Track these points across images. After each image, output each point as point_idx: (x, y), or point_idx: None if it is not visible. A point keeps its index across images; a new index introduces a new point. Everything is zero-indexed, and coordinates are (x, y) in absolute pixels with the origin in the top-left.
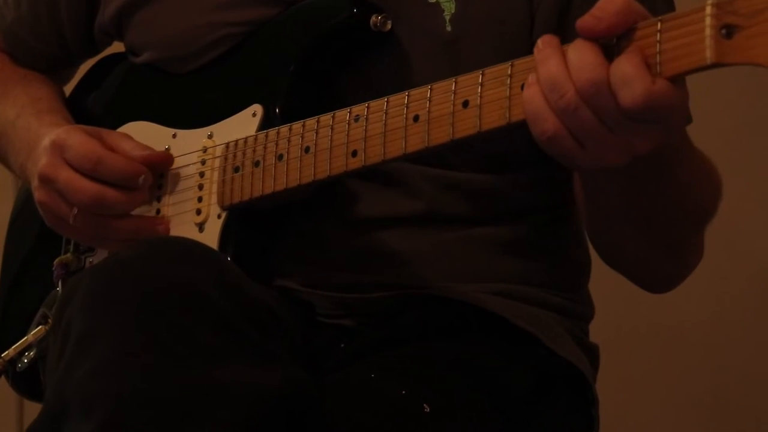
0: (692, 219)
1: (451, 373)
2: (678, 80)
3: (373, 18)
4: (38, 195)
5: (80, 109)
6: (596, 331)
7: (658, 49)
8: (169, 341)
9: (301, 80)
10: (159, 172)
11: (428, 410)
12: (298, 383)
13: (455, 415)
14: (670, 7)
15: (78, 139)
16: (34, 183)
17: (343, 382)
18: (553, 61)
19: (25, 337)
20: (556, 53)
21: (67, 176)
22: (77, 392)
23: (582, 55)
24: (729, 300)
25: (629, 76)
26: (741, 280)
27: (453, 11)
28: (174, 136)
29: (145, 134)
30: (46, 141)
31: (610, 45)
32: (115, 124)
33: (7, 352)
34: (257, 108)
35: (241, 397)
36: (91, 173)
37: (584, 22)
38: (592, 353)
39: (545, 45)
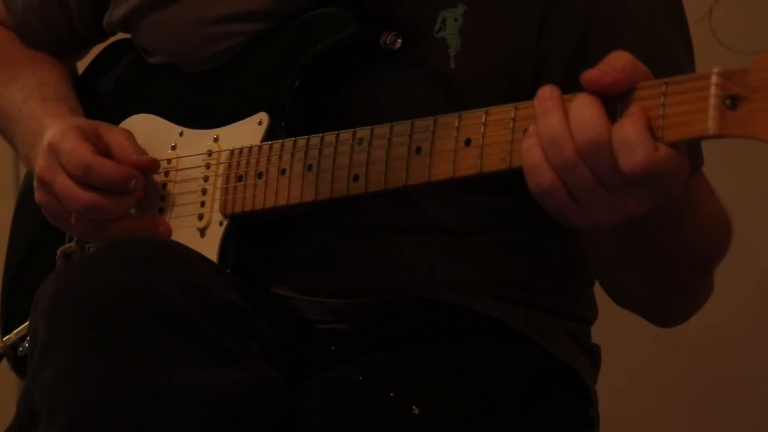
0: (697, 266)
1: (446, 374)
2: (680, 146)
3: (384, 36)
4: (38, 196)
5: (89, 93)
6: (598, 332)
7: (661, 113)
8: (128, 346)
9: (307, 92)
10: (146, 175)
11: (417, 412)
12: (265, 382)
13: (444, 417)
14: (690, 60)
15: (71, 143)
16: (35, 183)
17: (331, 384)
18: (553, 117)
19: (27, 323)
20: (557, 108)
21: (61, 182)
22: (42, 398)
23: (584, 113)
24: (732, 302)
25: (632, 142)
26: (745, 282)
27: (458, 49)
28: (181, 134)
29: (152, 128)
30: (44, 141)
31: (612, 102)
32: (124, 113)
33: (8, 336)
34: (263, 116)
35: (201, 399)
36: (81, 180)
37: (590, 74)
38: (593, 354)
39: (546, 98)
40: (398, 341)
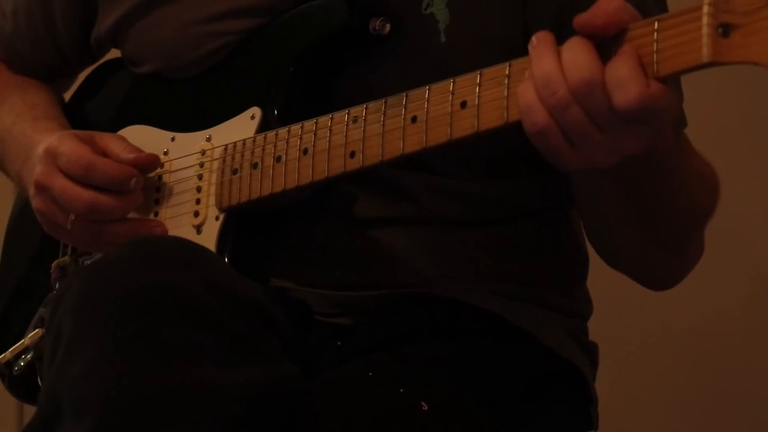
0: (689, 219)
1: (448, 372)
2: (671, 81)
3: (372, 22)
4: (35, 203)
5: (79, 115)
6: (596, 330)
7: (655, 48)
8: (156, 342)
9: (299, 83)
10: (149, 173)
11: (426, 408)
12: (289, 380)
13: (453, 414)
14: (663, 9)
15: (69, 145)
16: (31, 191)
17: (340, 381)
18: (547, 59)
19: (22, 340)
20: (551, 50)
21: (61, 184)
22: (68, 394)
23: (576, 55)
24: (728, 299)
25: (624, 78)
26: (741, 281)
27: (447, 22)
28: (173, 139)
29: (144, 138)
30: (40, 149)
31: (605, 45)
32: (114, 129)
33: (3, 354)
34: (256, 110)
35: (229, 395)
36: (83, 179)
37: (582, 18)
38: (591, 352)
39: (540, 42)
40: (401, 339)
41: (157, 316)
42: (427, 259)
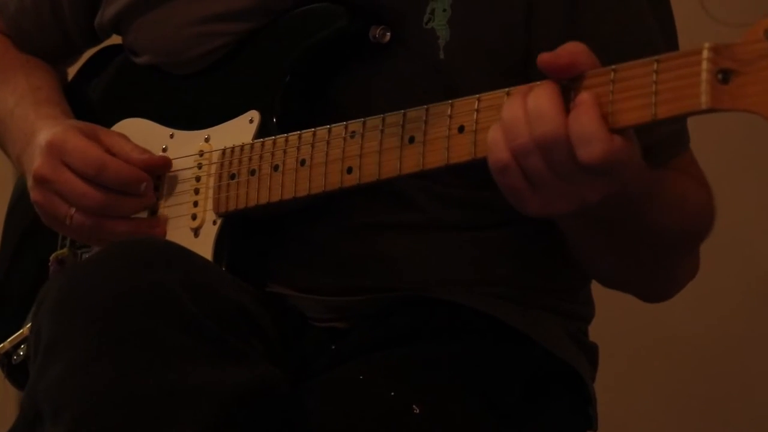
0: (675, 245)
1: (448, 372)
2: (628, 133)
3: (373, 29)
4: (34, 195)
5: (79, 99)
6: (596, 331)
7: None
8: (136, 344)
9: (297, 88)
10: (157, 174)
11: (417, 411)
12: (269, 382)
13: (445, 416)
14: (672, 47)
15: (77, 142)
16: (30, 182)
17: (331, 383)
18: (514, 102)
19: (21, 330)
20: (519, 95)
21: (68, 180)
22: (47, 397)
23: (540, 104)
24: (728, 301)
25: (588, 134)
26: (740, 281)
27: (447, 39)
28: (171, 136)
29: (143, 131)
30: (42, 140)
31: (569, 89)
32: (113, 118)
33: (2, 344)
34: (254, 114)
35: (208, 397)
36: (94, 179)
37: (544, 57)
38: (591, 353)
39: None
40: (398, 341)
41: (136, 318)
42: (427, 263)
